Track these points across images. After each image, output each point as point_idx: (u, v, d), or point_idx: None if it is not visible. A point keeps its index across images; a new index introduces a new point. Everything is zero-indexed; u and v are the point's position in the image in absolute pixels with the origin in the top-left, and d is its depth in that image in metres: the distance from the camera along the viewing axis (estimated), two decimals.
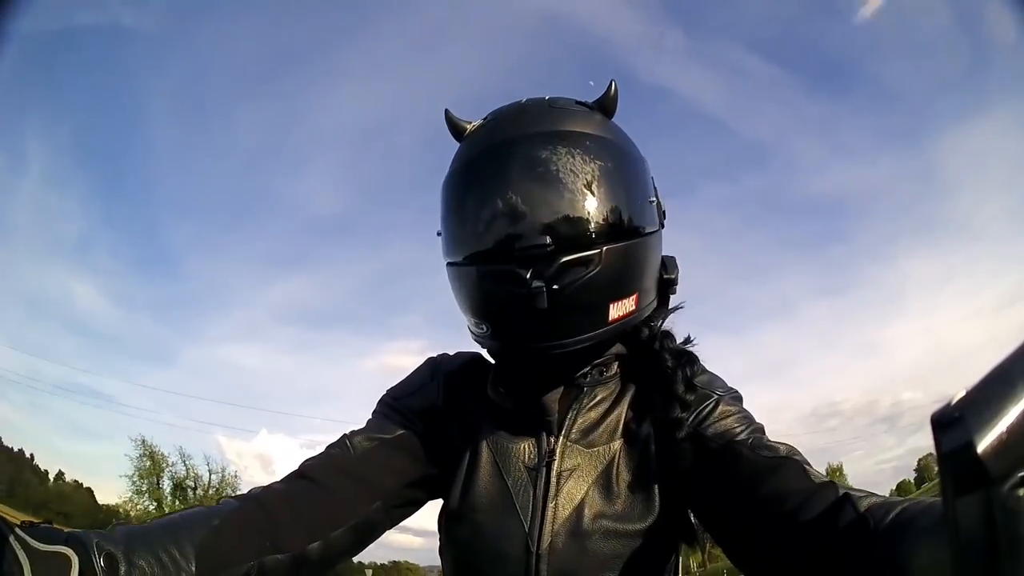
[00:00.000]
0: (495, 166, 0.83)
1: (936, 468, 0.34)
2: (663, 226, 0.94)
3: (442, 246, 0.90)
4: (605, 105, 0.90)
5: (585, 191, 0.79)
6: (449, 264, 0.89)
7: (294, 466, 0.90)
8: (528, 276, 0.77)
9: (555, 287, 0.77)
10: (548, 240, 0.77)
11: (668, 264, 0.94)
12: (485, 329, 0.87)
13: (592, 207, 0.79)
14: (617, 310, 0.83)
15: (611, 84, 0.90)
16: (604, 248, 0.79)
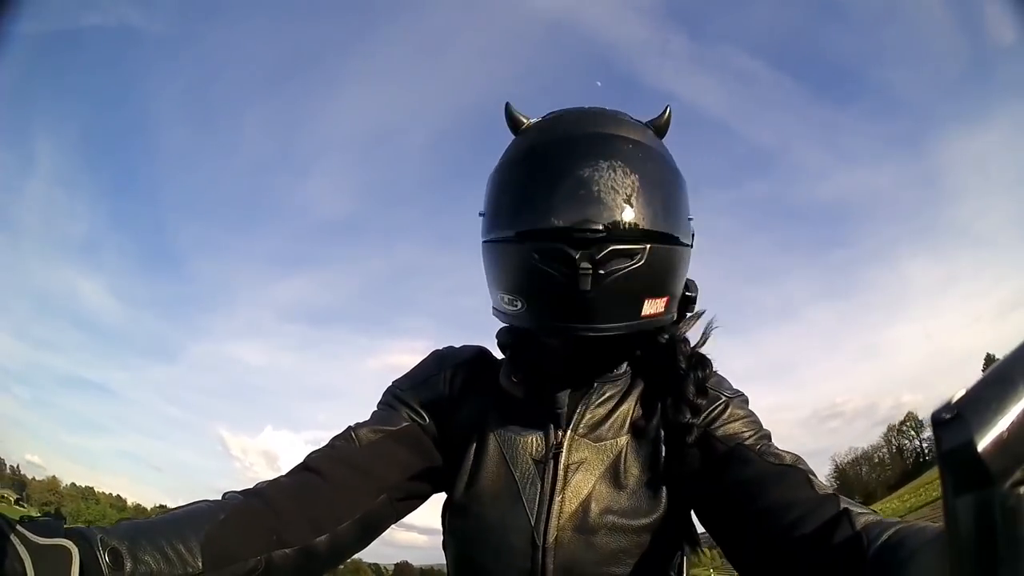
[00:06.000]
0: (562, 154, 0.84)
1: (937, 467, 0.34)
2: (691, 246, 0.95)
3: (487, 224, 0.90)
4: (659, 127, 0.93)
5: (643, 192, 0.81)
6: (493, 241, 0.89)
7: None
8: (577, 257, 0.79)
9: (600, 272, 0.79)
10: (601, 227, 0.79)
11: (689, 284, 0.96)
12: (520, 306, 0.86)
13: (646, 206, 0.81)
14: (650, 307, 0.84)
15: (666, 109, 0.94)
16: (649, 245, 0.81)
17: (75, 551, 0.64)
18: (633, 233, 0.80)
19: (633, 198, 0.81)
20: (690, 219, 0.90)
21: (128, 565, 0.67)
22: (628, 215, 0.80)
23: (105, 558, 0.66)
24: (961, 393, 0.33)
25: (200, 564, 0.72)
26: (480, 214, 0.92)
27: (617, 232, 0.79)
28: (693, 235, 0.95)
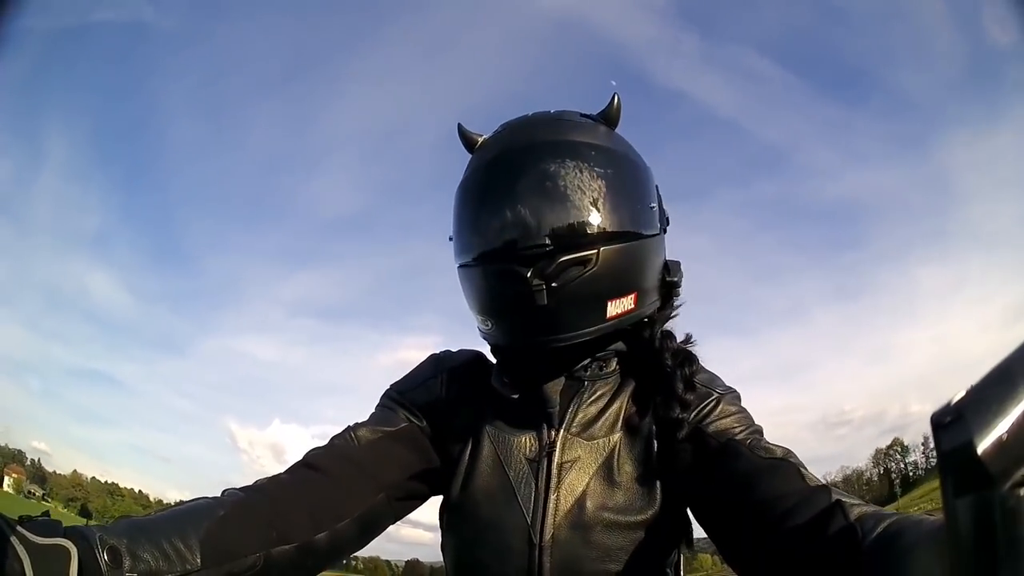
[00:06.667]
0: (502, 173, 0.88)
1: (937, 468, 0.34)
2: (665, 231, 0.97)
3: (454, 249, 0.94)
4: (609, 117, 0.94)
5: (586, 195, 0.84)
6: (460, 267, 0.94)
7: None
8: (528, 274, 0.81)
9: (554, 285, 0.81)
10: (548, 241, 0.82)
11: (671, 267, 0.97)
12: (490, 326, 0.92)
13: (591, 210, 0.84)
14: (615, 307, 0.86)
15: (614, 97, 0.94)
16: (601, 248, 0.83)
17: (74, 550, 0.64)
18: (581, 240, 0.82)
19: (578, 206, 0.83)
20: (652, 207, 0.91)
21: (127, 563, 0.68)
22: (574, 224, 0.82)
23: (104, 557, 0.66)
24: (961, 394, 0.33)
25: (199, 561, 0.73)
26: (449, 239, 0.95)
27: (564, 242, 0.82)
28: (667, 219, 0.97)
